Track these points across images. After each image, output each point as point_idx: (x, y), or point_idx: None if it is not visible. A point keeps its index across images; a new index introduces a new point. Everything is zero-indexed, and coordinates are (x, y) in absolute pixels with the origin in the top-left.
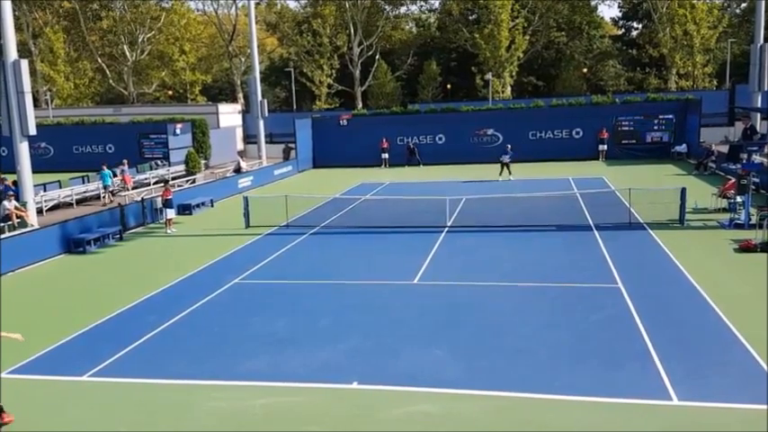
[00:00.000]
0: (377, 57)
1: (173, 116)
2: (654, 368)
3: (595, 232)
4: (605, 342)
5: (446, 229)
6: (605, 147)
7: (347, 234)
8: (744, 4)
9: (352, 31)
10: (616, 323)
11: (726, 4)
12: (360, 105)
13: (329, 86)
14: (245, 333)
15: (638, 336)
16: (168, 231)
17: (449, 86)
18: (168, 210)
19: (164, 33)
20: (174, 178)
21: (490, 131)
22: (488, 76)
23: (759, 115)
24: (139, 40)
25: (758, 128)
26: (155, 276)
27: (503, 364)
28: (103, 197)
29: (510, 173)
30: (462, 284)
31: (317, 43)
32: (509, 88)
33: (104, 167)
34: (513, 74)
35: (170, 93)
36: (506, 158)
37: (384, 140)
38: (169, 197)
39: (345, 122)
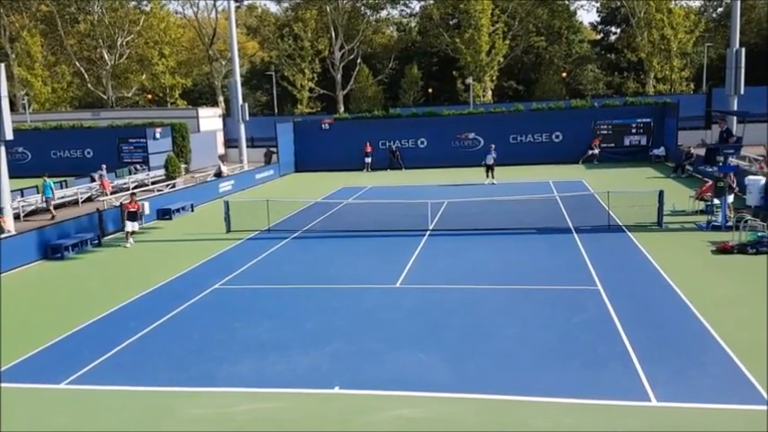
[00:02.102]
0: (358, 61)
1: (152, 120)
2: (633, 369)
3: (575, 235)
4: (587, 344)
5: (428, 232)
6: (596, 151)
7: (329, 238)
8: (720, 9)
9: (334, 35)
10: (597, 325)
11: (702, 9)
12: (342, 109)
13: (311, 90)
14: (228, 338)
15: (617, 337)
16: (126, 245)
17: (430, 91)
18: (129, 222)
19: (143, 37)
20: (153, 183)
21: (471, 135)
22: (469, 80)
23: (735, 118)
24: (118, 43)
25: (734, 131)
26: (134, 282)
27: (487, 367)
28: (48, 210)
29: (493, 176)
30: (445, 287)
31: (299, 47)
32: (490, 92)
33: (46, 178)
34: (494, 78)
35: (149, 97)
36: (490, 159)
37: (367, 145)
38: (133, 210)
39: (327, 126)
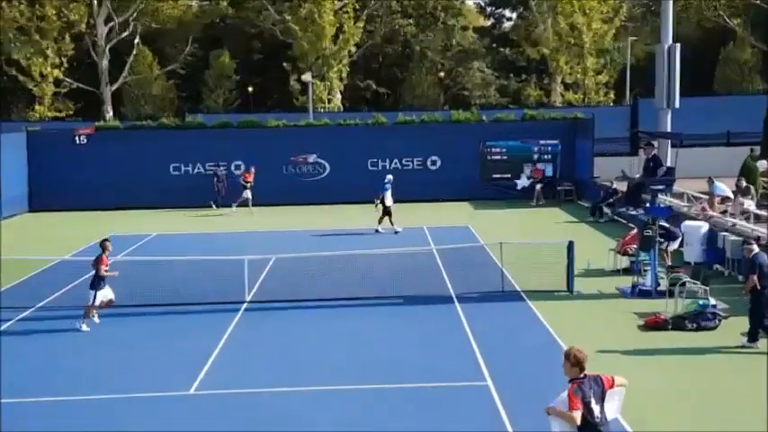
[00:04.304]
0: (137, 41)
1: None
2: None
3: (457, 305)
4: None
5: (244, 305)
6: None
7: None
8: None
9: (96, 0)
10: None
11: None
12: (110, 114)
13: (58, 83)
14: None
15: None
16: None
17: (250, 90)
18: (99, 292)
19: None
20: None
21: (312, 158)
22: (307, 76)
23: (669, 142)
24: None
25: (668, 159)
26: None
27: None
28: None
29: (392, 222)
30: (263, 392)
31: (37, 16)
32: (339, 96)
33: None
34: (344, 76)
35: None
36: (389, 197)
37: (247, 173)
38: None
39: (85, 140)
